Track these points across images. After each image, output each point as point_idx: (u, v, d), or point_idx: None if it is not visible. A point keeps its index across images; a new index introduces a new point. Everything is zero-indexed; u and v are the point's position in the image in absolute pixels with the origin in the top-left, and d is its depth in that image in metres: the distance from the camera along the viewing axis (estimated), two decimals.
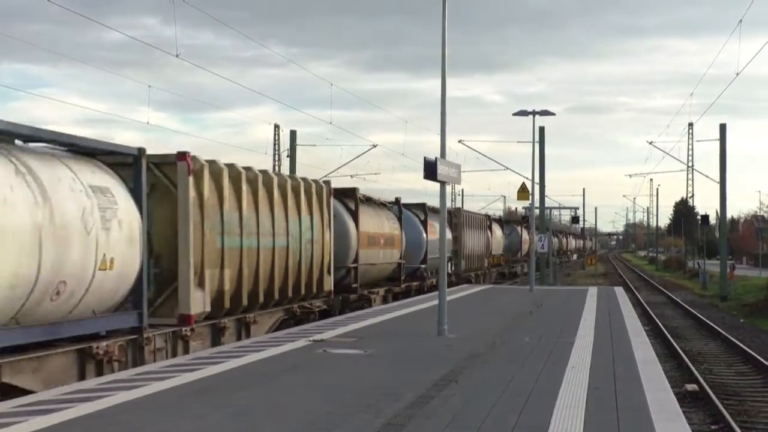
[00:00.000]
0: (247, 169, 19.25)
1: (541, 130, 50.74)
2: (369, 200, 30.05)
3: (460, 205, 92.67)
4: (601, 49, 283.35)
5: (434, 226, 36.03)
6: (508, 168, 52.89)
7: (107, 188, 13.86)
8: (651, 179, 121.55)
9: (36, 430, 9.03)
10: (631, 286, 57.62)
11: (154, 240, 15.96)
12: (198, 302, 16.48)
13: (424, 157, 17.79)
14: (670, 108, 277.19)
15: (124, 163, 14.87)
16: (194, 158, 16.58)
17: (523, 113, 34.65)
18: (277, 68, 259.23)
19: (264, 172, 20.03)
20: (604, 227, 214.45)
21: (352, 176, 57.04)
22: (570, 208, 79.70)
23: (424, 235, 35.59)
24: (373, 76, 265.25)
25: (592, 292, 34.43)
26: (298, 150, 52.03)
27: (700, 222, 71.22)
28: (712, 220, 75.00)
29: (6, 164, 11.98)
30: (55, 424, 9.28)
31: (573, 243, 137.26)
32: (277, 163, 68.64)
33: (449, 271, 39.97)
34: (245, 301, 18.71)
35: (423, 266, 35.65)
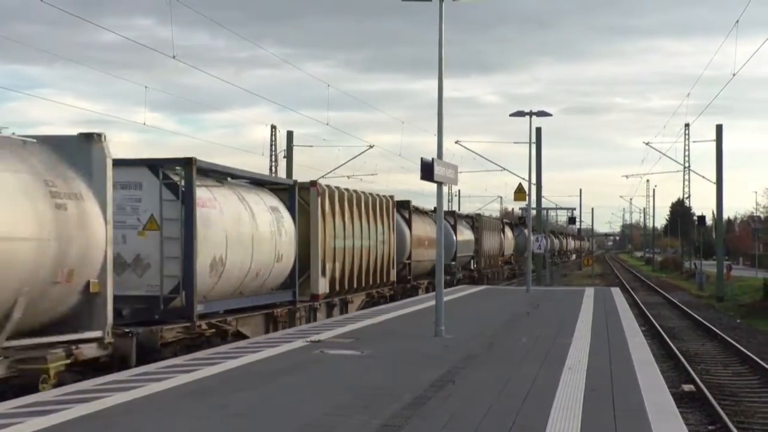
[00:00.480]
0: (345, 189, 26.23)
1: (538, 130, 50.73)
2: (416, 210, 37.31)
3: (457, 206, 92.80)
4: (596, 49, 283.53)
5: (460, 229, 45.49)
6: (504, 169, 52.97)
7: (277, 207, 20.87)
8: (647, 180, 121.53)
9: (35, 430, 9.04)
10: (627, 286, 57.65)
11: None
12: (322, 285, 23.37)
13: (421, 158, 17.81)
14: (666, 109, 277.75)
15: (281, 189, 22.16)
16: (320, 184, 23.69)
17: (519, 114, 34.65)
18: (273, 69, 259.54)
19: (355, 192, 27.04)
20: (601, 228, 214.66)
21: (348, 177, 57.01)
22: (567, 208, 79.68)
23: (454, 237, 43.14)
24: (370, 77, 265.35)
25: (589, 292, 34.46)
26: (295, 151, 52.09)
27: (696, 223, 71.34)
28: (709, 220, 75.02)
29: (233, 195, 18.80)
30: (54, 425, 9.29)
31: (572, 244, 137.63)
32: (273, 163, 68.63)
33: (472, 267, 48.91)
34: (346, 286, 25.67)
35: (453, 263, 42.79)
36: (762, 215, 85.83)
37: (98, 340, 13.57)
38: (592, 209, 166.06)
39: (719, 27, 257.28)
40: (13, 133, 13.10)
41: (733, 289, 50.22)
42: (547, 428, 9.36)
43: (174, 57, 25.36)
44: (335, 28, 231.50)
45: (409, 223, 34.59)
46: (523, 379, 12.67)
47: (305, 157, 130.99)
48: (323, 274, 23.36)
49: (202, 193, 17.06)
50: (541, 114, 34.87)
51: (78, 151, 13.74)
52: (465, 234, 47.85)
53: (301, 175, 51.49)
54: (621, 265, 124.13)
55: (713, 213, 58.78)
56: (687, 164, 76.81)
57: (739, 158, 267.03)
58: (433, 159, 17.83)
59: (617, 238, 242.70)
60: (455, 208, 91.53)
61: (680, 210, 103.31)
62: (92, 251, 13.37)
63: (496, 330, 19.46)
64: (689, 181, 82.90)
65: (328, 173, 52.32)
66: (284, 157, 53.71)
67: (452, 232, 43.22)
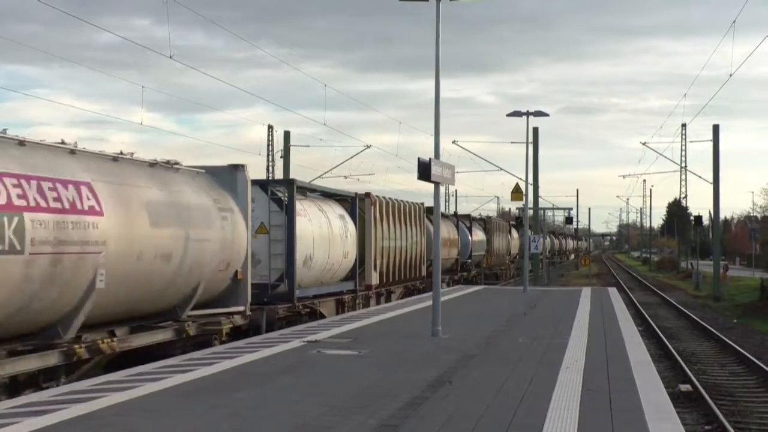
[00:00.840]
0: (390, 199, 31.89)
1: (535, 130, 50.84)
2: (442, 215, 41.39)
3: (454, 206, 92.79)
4: (592, 49, 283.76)
5: (475, 230, 50.57)
6: (501, 169, 53.01)
7: (343, 215, 26.88)
8: (644, 180, 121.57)
9: (31, 431, 9.01)
10: (624, 286, 57.70)
11: None
12: (374, 278, 29.22)
13: (418, 158, 17.79)
14: (663, 109, 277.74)
15: (344, 199, 28.12)
16: (372, 195, 29.28)
17: (517, 114, 34.62)
18: (270, 69, 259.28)
19: (396, 201, 32.68)
20: (598, 228, 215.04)
21: (345, 177, 57.03)
22: (563, 208, 79.85)
23: (470, 237, 48.98)
24: (367, 77, 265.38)
25: (586, 292, 34.46)
26: (292, 151, 52.10)
27: (693, 223, 71.37)
28: (706, 220, 75.06)
29: (314, 206, 24.62)
30: (49, 426, 9.26)
31: (571, 244, 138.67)
32: (270, 164, 68.62)
33: (485, 265, 53.32)
34: (390, 279, 31.61)
35: (469, 261, 49.43)
36: (759, 215, 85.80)
37: (242, 313, 18.82)
38: (589, 209, 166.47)
39: (715, 27, 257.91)
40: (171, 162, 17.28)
41: (729, 289, 50.30)
42: (545, 428, 9.35)
43: (171, 57, 25.34)
44: (332, 28, 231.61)
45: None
46: (520, 379, 12.65)
47: (302, 157, 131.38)
48: (375, 268, 29.29)
49: (296, 205, 22.49)
50: (539, 114, 34.84)
51: (228, 177, 18.87)
52: (478, 235, 52.80)
53: (297, 176, 51.51)
54: (618, 265, 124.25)
55: (710, 213, 58.82)
56: (684, 164, 76.87)
57: (736, 158, 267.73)
58: (430, 159, 17.82)
59: (614, 238, 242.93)
60: (452, 208, 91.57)
61: (677, 210, 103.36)
62: (240, 249, 18.56)
63: (493, 330, 19.45)
64: (686, 181, 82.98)
65: (325, 173, 52.40)
66: (281, 157, 53.75)
67: (468, 233, 48.55)
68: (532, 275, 46.89)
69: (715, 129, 50.61)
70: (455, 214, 49.48)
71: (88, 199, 13.63)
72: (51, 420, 9.51)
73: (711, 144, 50.58)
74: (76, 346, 13.59)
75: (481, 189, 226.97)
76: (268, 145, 68.94)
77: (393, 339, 17.65)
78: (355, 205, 28.25)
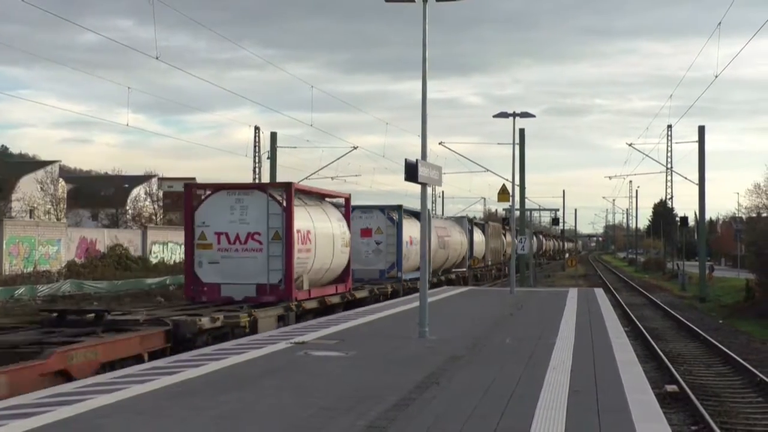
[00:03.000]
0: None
1: (521, 131, 50.93)
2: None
3: (441, 207, 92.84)
4: (575, 51, 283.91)
5: (476, 232, 56.16)
6: (488, 170, 53.17)
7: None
8: (630, 181, 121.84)
9: None
10: (610, 287, 57.83)
11: None
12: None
13: (405, 159, 17.77)
14: (646, 110, 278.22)
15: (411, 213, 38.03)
16: (429, 212, 36.13)
17: (503, 115, 34.62)
18: (255, 70, 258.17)
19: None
20: (584, 229, 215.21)
21: (332, 178, 57.02)
22: (550, 209, 79.95)
23: (472, 239, 54.94)
24: (352, 78, 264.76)
25: (573, 293, 34.51)
26: (279, 152, 52.05)
27: (679, 223, 71.53)
28: (691, 221, 75.33)
29: (413, 219, 36.83)
30: (33, 428, 9.22)
31: (565, 245, 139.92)
32: (257, 165, 68.52)
33: (488, 264, 60.14)
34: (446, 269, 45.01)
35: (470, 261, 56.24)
36: (744, 216, 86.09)
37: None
38: (575, 210, 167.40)
39: (698, 29, 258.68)
40: None
41: (715, 289, 50.44)
42: (532, 429, 9.35)
43: (157, 58, 25.29)
44: (316, 29, 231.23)
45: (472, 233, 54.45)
46: (508, 379, 12.67)
47: (289, 158, 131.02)
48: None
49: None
50: (525, 115, 34.84)
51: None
52: (478, 236, 57.38)
53: (285, 177, 51.44)
54: (604, 266, 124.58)
55: (695, 214, 59.01)
56: (670, 165, 77.13)
57: (721, 159, 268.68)
58: (417, 160, 17.81)
59: (600, 239, 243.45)
60: (439, 209, 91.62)
61: (663, 211, 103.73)
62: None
63: (481, 331, 19.46)
64: (672, 182, 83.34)
65: (312, 174, 52.39)
66: (268, 158, 53.69)
67: (470, 235, 53.74)
68: (518, 276, 46.95)
69: (701, 130, 50.77)
70: (466, 218, 58.48)
71: None
72: (37, 422, 9.47)
73: (696, 145, 50.79)
74: None
75: (468, 190, 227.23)
76: (255, 147, 68.90)
77: (380, 340, 17.64)
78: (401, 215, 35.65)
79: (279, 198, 22.46)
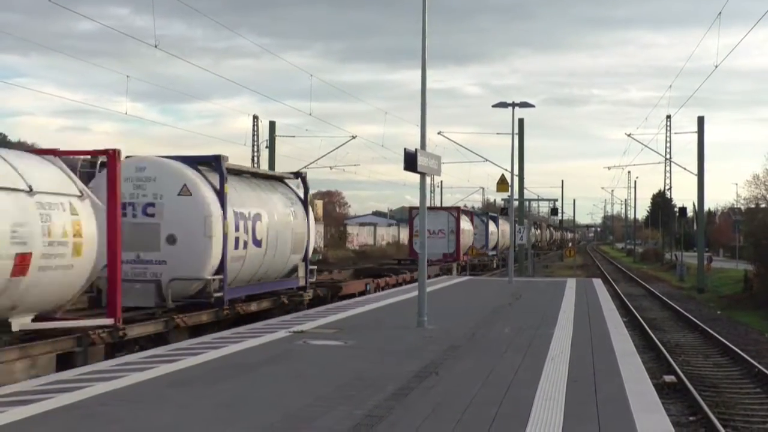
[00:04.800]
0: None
1: (521, 122, 50.87)
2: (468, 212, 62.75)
3: (440, 197, 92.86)
4: (572, 41, 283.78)
5: (491, 224, 64.63)
6: (487, 160, 53.15)
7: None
8: (629, 171, 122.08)
9: (14, 420, 8.97)
10: (609, 277, 57.86)
11: None
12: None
13: (405, 149, 17.76)
14: (644, 100, 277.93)
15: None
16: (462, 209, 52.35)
17: (502, 105, 34.59)
18: (251, 59, 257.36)
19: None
20: (583, 219, 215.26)
21: (331, 167, 57.03)
22: (549, 200, 80.00)
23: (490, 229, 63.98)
24: (349, 67, 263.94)
25: (571, 284, 34.55)
26: (278, 141, 52.00)
27: (677, 214, 71.57)
28: (690, 212, 75.29)
29: (469, 217, 59.49)
30: (34, 415, 9.23)
31: (568, 235, 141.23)
32: (256, 154, 68.43)
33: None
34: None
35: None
36: (743, 207, 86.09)
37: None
38: (574, 200, 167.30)
39: (694, 19, 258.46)
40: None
41: (713, 280, 50.48)
42: (530, 418, 9.38)
43: (156, 46, 25.22)
44: (311, 17, 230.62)
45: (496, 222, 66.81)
46: (506, 369, 12.68)
47: (288, 147, 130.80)
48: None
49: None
50: (524, 105, 34.81)
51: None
52: (492, 227, 64.78)
53: (284, 166, 51.39)
54: (602, 256, 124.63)
55: (694, 204, 59.00)
56: (668, 156, 77.09)
57: (720, 150, 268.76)
58: (416, 149, 17.79)
59: (599, 229, 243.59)
60: (437, 199, 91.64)
61: (661, 201, 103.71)
62: None
63: (479, 320, 19.48)
64: (670, 173, 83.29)
65: (311, 164, 52.33)
66: (266, 147, 53.63)
67: (487, 226, 62.39)
68: (517, 266, 47.01)
69: (700, 121, 50.70)
70: (484, 212, 66.91)
71: None
72: (37, 410, 9.48)
73: (695, 135, 50.75)
74: None
75: (467, 180, 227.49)
76: (254, 136, 68.79)
77: (379, 330, 17.66)
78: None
79: (454, 216, 42.54)
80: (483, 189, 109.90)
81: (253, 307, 20.71)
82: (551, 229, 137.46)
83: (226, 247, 18.73)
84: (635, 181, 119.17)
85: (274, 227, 21.56)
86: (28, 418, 9.13)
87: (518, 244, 47.94)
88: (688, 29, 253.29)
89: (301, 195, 24.34)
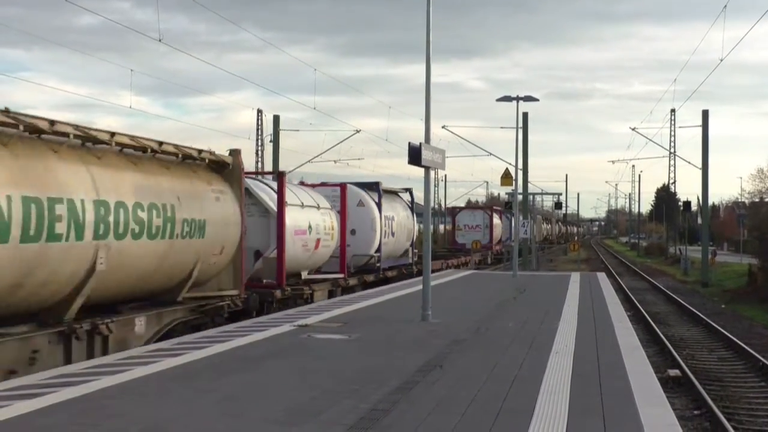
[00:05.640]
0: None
1: (525, 115, 50.81)
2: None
3: (444, 191, 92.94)
4: (575, 35, 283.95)
5: (503, 218, 72.60)
6: (491, 154, 53.18)
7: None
8: (633, 165, 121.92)
9: (19, 414, 8.98)
10: (613, 271, 57.85)
11: None
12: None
13: (409, 143, 17.74)
14: (647, 94, 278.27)
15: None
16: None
17: (506, 99, 34.54)
18: (254, 53, 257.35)
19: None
20: (587, 213, 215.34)
21: (335, 161, 57.01)
22: (553, 194, 79.82)
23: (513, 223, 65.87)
24: (352, 61, 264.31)
25: (575, 278, 34.54)
26: (282, 135, 51.95)
27: (681, 208, 71.47)
28: (694, 206, 75.20)
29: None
30: (38, 409, 9.24)
31: (568, 229, 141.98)
32: (260, 148, 68.44)
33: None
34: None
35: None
36: (747, 201, 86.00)
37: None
38: (578, 194, 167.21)
39: (698, 12, 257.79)
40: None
41: (717, 274, 50.44)
42: (535, 412, 9.37)
43: (160, 40, 25.20)
44: (314, 11, 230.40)
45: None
46: (510, 363, 12.68)
47: (292, 141, 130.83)
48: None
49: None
50: (528, 99, 34.76)
51: None
52: (504, 221, 71.92)
53: (288, 160, 51.46)
54: (606, 250, 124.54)
55: (698, 198, 58.92)
56: (673, 150, 76.98)
57: (724, 144, 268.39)
58: (420, 143, 17.77)
59: (602, 223, 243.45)
60: (441, 193, 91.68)
61: (666, 195, 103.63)
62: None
63: (483, 315, 19.48)
64: (675, 167, 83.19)
65: (315, 158, 52.31)
66: (270, 141, 53.62)
67: (511, 221, 65.19)
68: (521, 260, 47.03)
69: (705, 114, 50.62)
70: (499, 208, 72.97)
71: None
72: (42, 403, 9.50)
73: (699, 129, 50.65)
74: None
75: (471, 174, 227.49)
76: (258, 130, 68.78)
77: (383, 324, 17.66)
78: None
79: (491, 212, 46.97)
80: (487, 183, 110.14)
81: (389, 273, 33.75)
82: (559, 223, 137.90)
83: (381, 237, 31.94)
84: (639, 175, 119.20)
85: (398, 224, 34.96)
86: (33, 412, 9.14)
87: (522, 238, 47.89)
88: (692, 23, 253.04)
89: (409, 203, 38.01)
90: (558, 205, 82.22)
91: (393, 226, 33.90)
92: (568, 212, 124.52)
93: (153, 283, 15.93)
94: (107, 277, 14.01)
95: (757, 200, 67.14)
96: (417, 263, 36.35)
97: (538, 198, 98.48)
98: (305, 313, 19.13)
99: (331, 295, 26.12)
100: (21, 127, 12.50)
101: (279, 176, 23.69)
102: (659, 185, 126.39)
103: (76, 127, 13.94)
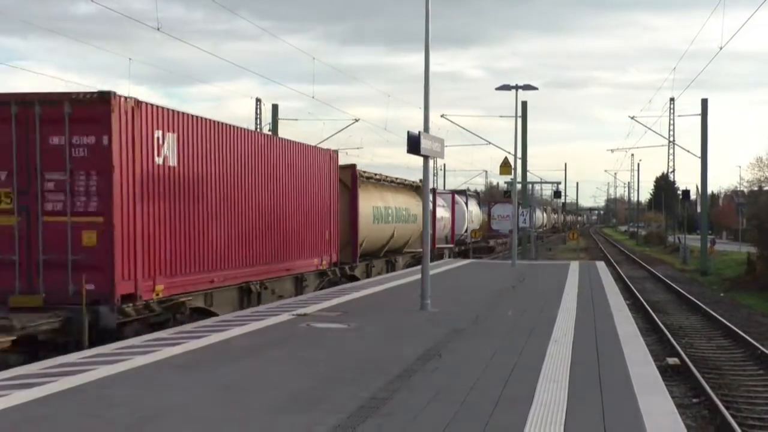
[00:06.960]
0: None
1: (524, 104, 50.78)
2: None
3: (442, 180, 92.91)
4: (573, 23, 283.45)
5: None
6: (490, 143, 53.18)
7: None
8: (632, 154, 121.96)
9: (17, 404, 8.98)
10: (612, 260, 57.85)
11: None
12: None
13: (408, 132, 17.70)
14: (645, 83, 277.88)
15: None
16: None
17: (506, 87, 34.43)
18: (251, 42, 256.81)
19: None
20: (586, 202, 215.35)
21: (334, 151, 56.81)
22: (552, 182, 79.72)
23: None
24: (350, 49, 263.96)
25: (574, 266, 34.55)
26: (280, 124, 51.92)
27: (680, 197, 71.46)
28: (693, 195, 75.25)
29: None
30: (37, 398, 9.24)
31: (577, 218, 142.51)
32: None
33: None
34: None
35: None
36: (746, 190, 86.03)
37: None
38: (577, 183, 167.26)
39: (697, 0, 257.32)
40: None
41: (716, 263, 50.45)
42: (534, 400, 9.37)
43: (159, 29, 25.11)
44: (311, 0, 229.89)
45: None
46: (510, 352, 12.68)
47: (291, 130, 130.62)
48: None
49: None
50: (527, 88, 34.65)
51: None
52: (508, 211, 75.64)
53: None
54: (605, 239, 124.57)
55: (697, 187, 58.95)
56: (672, 138, 76.92)
57: (723, 132, 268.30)
58: (419, 132, 17.74)
59: (601, 212, 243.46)
60: (440, 181, 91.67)
61: (665, 184, 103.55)
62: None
63: (482, 303, 19.49)
64: (674, 156, 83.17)
65: None
66: (269, 130, 53.55)
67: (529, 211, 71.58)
68: (520, 249, 47.06)
69: (704, 103, 50.57)
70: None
71: None
72: (39, 393, 9.49)
73: (699, 118, 50.60)
74: None
75: (470, 163, 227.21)
76: (256, 119, 68.67)
77: (382, 312, 17.67)
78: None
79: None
80: (486, 172, 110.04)
81: (458, 248, 49.66)
82: (560, 213, 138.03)
83: (468, 223, 51.48)
84: (638, 164, 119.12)
85: (475, 215, 53.56)
86: (31, 401, 9.14)
87: (521, 228, 48.04)
88: (692, 11, 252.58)
89: (477, 200, 56.07)
90: (557, 194, 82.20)
91: (464, 217, 51.66)
92: (567, 201, 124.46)
93: (399, 243, 34.38)
94: (396, 240, 33.41)
95: (756, 189, 67.18)
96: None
97: (537, 187, 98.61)
98: (304, 303, 19.13)
99: (450, 255, 45.19)
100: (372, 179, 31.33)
101: (433, 192, 37.47)
102: (658, 174, 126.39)
103: (379, 175, 32.48)
